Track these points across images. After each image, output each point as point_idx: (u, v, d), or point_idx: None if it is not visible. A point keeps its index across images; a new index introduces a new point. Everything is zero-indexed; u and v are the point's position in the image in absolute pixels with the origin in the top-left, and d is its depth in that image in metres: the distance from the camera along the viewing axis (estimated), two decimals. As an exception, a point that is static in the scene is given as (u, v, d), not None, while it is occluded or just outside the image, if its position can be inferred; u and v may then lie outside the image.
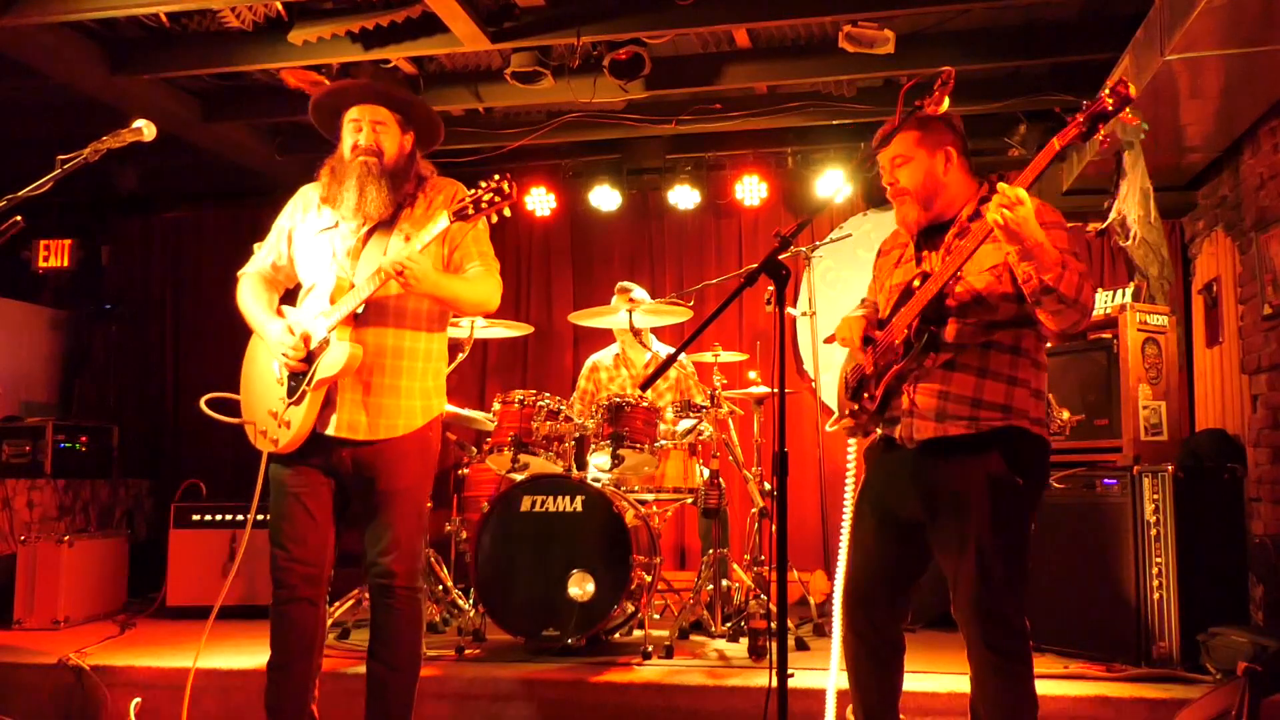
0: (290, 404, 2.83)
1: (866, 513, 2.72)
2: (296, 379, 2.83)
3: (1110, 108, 2.25)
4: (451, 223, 2.72)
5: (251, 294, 3.02)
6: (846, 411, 2.74)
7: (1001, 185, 2.32)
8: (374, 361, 2.82)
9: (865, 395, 2.66)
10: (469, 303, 2.94)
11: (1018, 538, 2.49)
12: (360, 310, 2.80)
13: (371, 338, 2.82)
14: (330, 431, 2.81)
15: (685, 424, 4.57)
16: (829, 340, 2.98)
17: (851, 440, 2.88)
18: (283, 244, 3.04)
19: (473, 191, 2.70)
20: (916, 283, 2.56)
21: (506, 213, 2.69)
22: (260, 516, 2.92)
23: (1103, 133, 2.30)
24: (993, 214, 2.28)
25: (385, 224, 2.88)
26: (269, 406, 2.89)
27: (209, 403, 3.03)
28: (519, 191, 2.66)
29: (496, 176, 2.67)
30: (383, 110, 2.90)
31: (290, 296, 3.09)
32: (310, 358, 2.82)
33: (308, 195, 3.03)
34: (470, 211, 2.68)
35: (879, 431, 2.70)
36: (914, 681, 3.46)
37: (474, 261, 2.94)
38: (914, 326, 2.53)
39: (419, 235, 2.76)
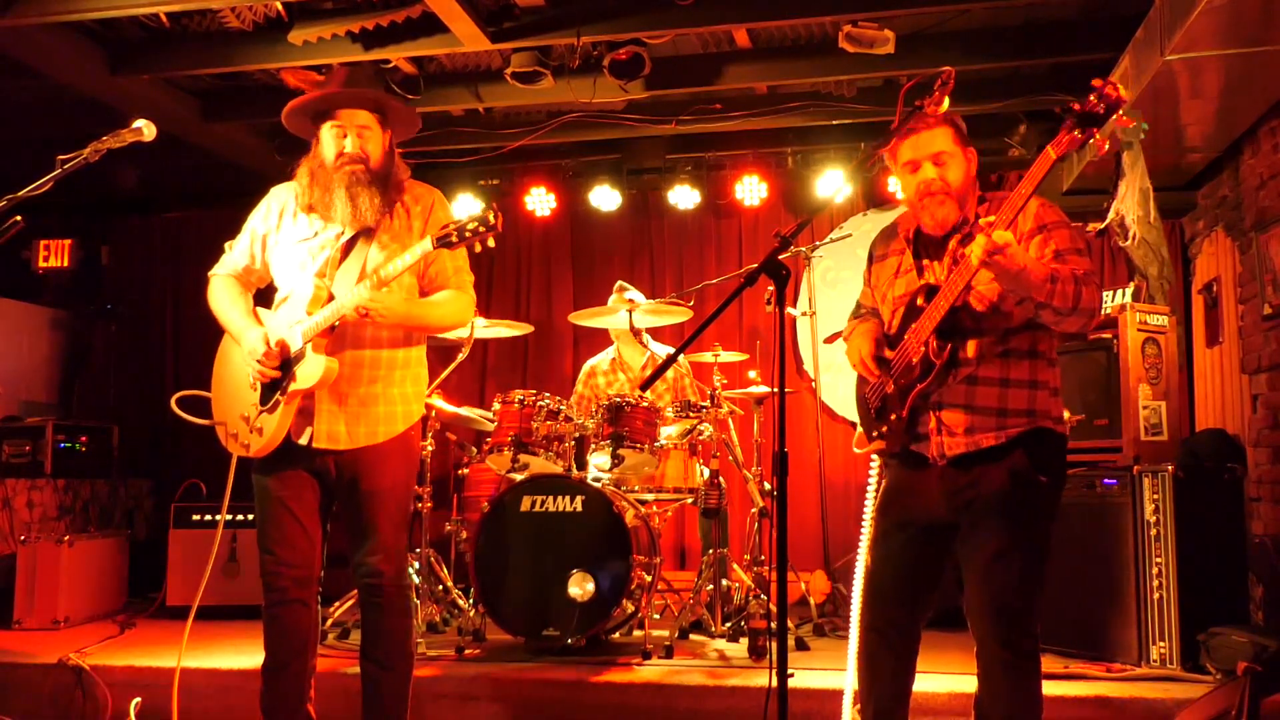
0: (263, 411, 2.81)
1: (889, 514, 2.70)
2: (270, 386, 2.81)
3: (1101, 111, 2.21)
4: (434, 249, 2.69)
5: (226, 296, 2.99)
6: (874, 434, 2.70)
7: (985, 222, 2.28)
8: (352, 373, 2.82)
9: (892, 417, 2.61)
10: (439, 326, 2.97)
11: (1039, 537, 2.51)
12: (336, 324, 2.78)
13: (349, 351, 2.81)
14: (308, 442, 2.80)
15: (669, 430, 4.56)
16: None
17: (875, 458, 2.85)
18: (256, 248, 3.01)
19: (458, 221, 2.66)
20: (921, 300, 2.52)
21: (491, 244, 2.67)
22: (229, 517, 2.92)
23: (1098, 137, 2.28)
24: (975, 258, 2.26)
25: (364, 233, 2.86)
26: (241, 410, 2.87)
27: (181, 401, 3.03)
28: (500, 218, 2.65)
29: (483, 207, 2.69)
30: (364, 114, 2.87)
31: (263, 297, 3.06)
32: (286, 365, 2.80)
33: (281, 197, 3.00)
34: (454, 240, 2.65)
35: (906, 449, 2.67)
36: (914, 681, 3.46)
37: (447, 280, 2.92)
38: (932, 345, 2.48)
39: (401, 257, 2.71)
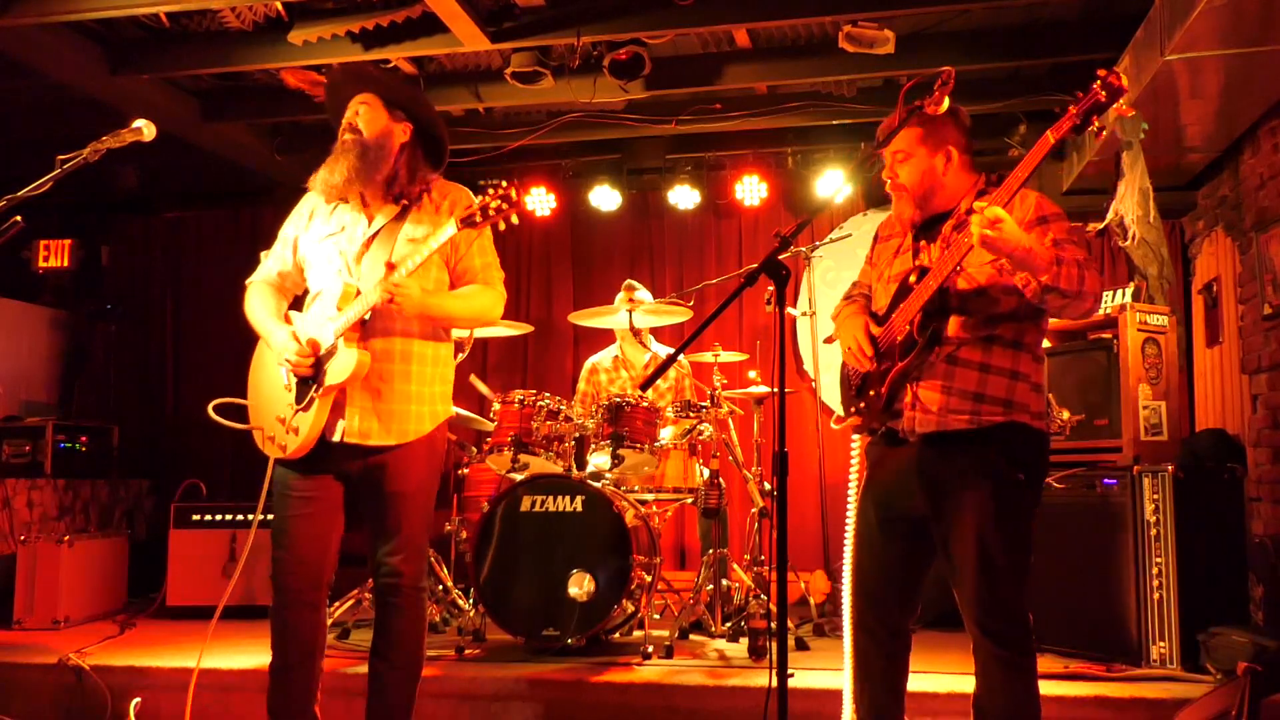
0: (299, 410, 2.82)
1: (871, 510, 2.72)
2: (305, 385, 2.82)
3: (1104, 99, 2.26)
4: (459, 230, 2.68)
5: (259, 301, 3.01)
6: (852, 409, 2.75)
7: (979, 205, 2.32)
8: (383, 367, 2.82)
9: (870, 393, 2.66)
10: (463, 319, 2.98)
11: (1021, 532, 2.52)
12: (367, 318, 2.79)
13: (380, 344, 2.82)
14: (340, 439, 2.80)
15: (669, 430, 4.56)
16: (829, 340, 2.98)
17: (855, 437, 2.89)
18: (288, 252, 3.03)
19: (480, 199, 2.67)
20: (913, 279, 2.56)
21: (514, 220, 2.66)
22: (264, 516, 2.92)
23: (1097, 125, 2.31)
24: (975, 236, 2.30)
25: (391, 225, 2.88)
26: (277, 413, 2.88)
27: (217, 408, 3.03)
28: (520, 192, 2.66)
29: (504, 183, 2.64)
30: (369, 94, 2.92)
31: (298, 303, 3.09)
32: (318, 363, 2.80)
33: (311, 200, 3.04)
34: (477, 219, 2.66)
35: (883, 427, 2.70)
36: (914, 681, 3.44)
37: (475, 276, 2.93)
38: (916, 323, 2.53)
39: (426, 243, 2.74)
